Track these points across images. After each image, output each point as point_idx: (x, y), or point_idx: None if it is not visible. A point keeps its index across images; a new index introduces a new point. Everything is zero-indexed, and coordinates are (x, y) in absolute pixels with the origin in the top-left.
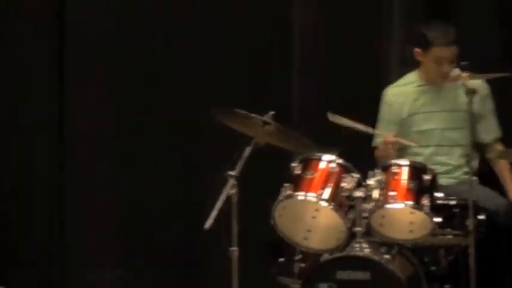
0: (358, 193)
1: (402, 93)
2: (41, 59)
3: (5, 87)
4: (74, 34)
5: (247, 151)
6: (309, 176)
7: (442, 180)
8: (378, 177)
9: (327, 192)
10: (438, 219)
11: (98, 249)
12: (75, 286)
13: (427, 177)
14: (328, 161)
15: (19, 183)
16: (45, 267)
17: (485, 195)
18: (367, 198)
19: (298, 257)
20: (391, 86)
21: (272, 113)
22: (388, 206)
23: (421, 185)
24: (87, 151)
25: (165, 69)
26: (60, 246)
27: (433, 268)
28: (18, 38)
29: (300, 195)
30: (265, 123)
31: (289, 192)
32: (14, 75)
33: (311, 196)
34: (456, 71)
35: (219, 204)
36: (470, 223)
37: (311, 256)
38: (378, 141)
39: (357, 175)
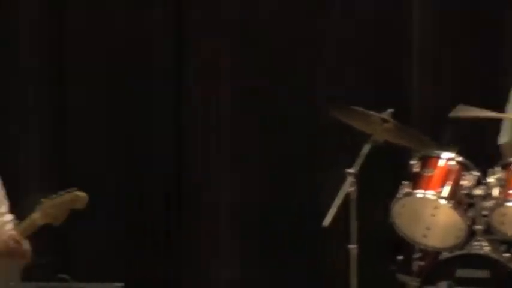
0: (478, 191)
1: None
2: (162, 53)
3: (126, 85)
4: (194, 30)
5: (366, 148)
6: (428, 174)
7: None
8: (498, 175)
9: (446, 190)
10: None
11: (214, 250)
12: (192, 286)
13: None
14: (447, 158)
15: (140, 182)
16: (163, 267)
17: None
18: (487, 196)
19: (417, 255)
20: None
21: (391, 110)
22: (508, 204)
23: None
24: (204, 148)
25: (282, 66)
26: (177, 245)
27: None
28: (137, 34)
29: (419, 193)
30: (384, 120)
31: (408, 190)
32: (136, 71)
33: (430, 194)
34: None
35: (337, 202)
36: None
37: (430, 254)
38: (502, 140)
39: (476, 173)
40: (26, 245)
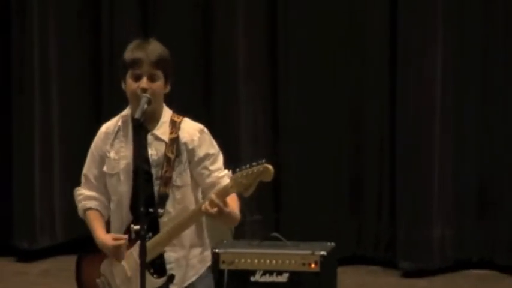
0: None
1: None
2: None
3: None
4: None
5: None
6: None
7: None
8: None
9: None
10: None
11: (425, 209)
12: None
13: None
14: None
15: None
16: (373, 227)
17: None
18: None
19: None
20: None
21: None
22: None
23: None
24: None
25: None
26: (391, 202)
27: None
28: None
29: None
30: None
31: None
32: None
33: None
34: None
35: None
36: None
37: None
38: None
39: None
40: (232, 207)
